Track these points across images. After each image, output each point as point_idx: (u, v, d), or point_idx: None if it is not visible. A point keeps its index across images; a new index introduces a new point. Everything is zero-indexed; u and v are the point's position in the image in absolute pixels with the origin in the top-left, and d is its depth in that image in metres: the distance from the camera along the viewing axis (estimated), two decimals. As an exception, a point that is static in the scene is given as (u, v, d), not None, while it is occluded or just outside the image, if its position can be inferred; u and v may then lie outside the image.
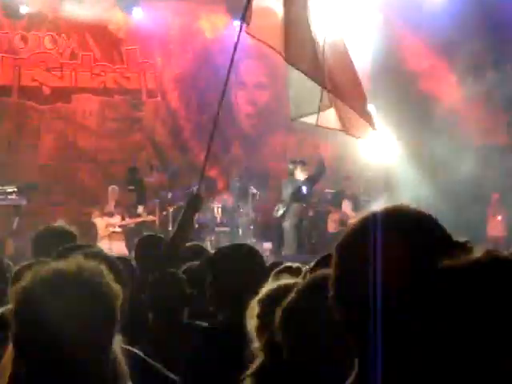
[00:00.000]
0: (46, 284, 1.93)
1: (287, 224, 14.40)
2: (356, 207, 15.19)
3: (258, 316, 2.59)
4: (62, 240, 4.49)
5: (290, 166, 14.84)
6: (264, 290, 2.68)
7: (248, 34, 6.61)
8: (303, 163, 14.69)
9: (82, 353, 1.88)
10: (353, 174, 16.48)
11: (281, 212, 14.50)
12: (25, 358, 1.91)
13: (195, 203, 6.15)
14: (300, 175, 14.52)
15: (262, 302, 2.61)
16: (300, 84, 6.75)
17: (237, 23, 15.08)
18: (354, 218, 14.66)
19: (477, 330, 1.36)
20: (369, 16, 15.87)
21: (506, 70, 16.02)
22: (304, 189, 14.35)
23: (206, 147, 6.48)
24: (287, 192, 14.55)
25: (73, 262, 1.98)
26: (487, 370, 1.35)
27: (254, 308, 2.64)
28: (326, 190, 15.96)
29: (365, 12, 15.75)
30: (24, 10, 15.87)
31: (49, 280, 1.94)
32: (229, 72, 6.34)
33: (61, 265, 2.00)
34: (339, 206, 15.32)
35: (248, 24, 6.48)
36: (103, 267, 2.00)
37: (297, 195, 14.38)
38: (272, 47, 6.61)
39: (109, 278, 1.99)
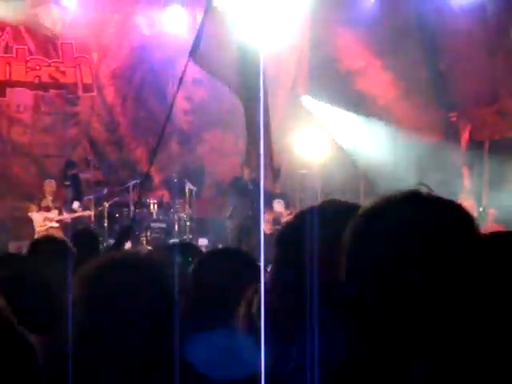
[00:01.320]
0: (106, 271, 1.96)
1: (231, 222, 14.36)
2: (288, 205, 15.14)
3: None
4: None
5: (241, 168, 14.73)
6: None
7: (197, 64, 6.79)
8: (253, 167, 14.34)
9: (149, 337, 1.89)
10: (285, 172, 16.54)
11: (229, 212, 14.47)
12: (88, 346, 1.89)
13: (126, 234, 6.45)
14: (248, 177, 14.27)
15: None
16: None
17: (173, 10, 15.04)
18: (287, 217, 14.72)
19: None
20: (305, 14, 16.00)
21: (440, 68, 16.33)
22: (250, 184, 14.11)
23: (146, 144, 6.59)
24: (234, 192, 14.42)
25: (128, 252, 2.05)
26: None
27: None
28: None
29: (300, 10, 15.89)
30: (-44, 1, 15.55)
31: (109, 267, 1.98)
32: (174, 97, 6.38)
33: (117, 254, 2.12)
34: (270, 205, 15.08)
35: (195, 56, 6.67)
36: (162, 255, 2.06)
37: (243, 192, 14.21)
38: (221, 79, 6.88)
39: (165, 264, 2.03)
